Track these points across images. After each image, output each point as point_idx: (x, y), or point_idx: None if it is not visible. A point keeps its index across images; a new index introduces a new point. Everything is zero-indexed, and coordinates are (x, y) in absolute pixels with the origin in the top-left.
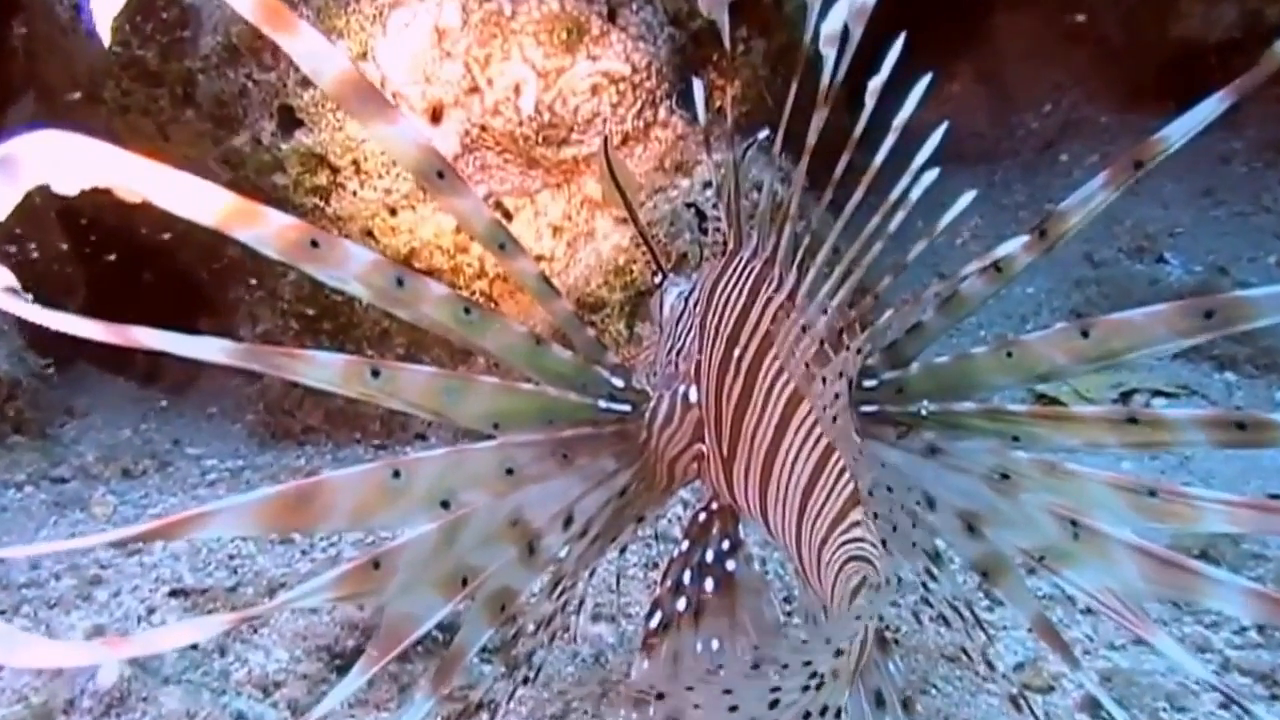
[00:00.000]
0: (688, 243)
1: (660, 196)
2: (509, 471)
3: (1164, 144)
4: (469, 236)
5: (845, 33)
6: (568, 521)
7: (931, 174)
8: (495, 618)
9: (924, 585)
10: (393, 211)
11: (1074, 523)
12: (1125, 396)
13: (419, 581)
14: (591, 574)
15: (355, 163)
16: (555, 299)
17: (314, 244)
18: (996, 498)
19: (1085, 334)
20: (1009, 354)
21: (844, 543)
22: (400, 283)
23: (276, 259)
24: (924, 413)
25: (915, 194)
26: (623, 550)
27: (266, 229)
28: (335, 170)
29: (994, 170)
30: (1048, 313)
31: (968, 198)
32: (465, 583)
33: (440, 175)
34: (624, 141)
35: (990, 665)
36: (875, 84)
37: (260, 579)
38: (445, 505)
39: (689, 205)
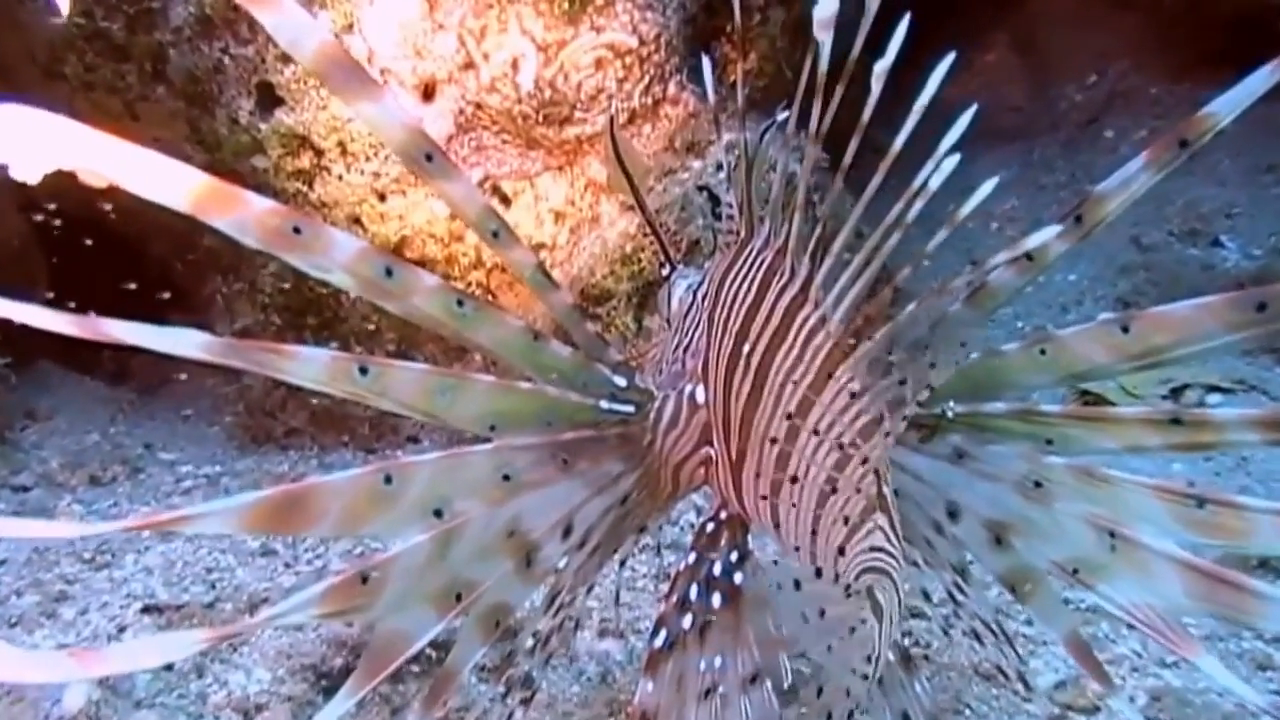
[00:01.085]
0: (700, 229)
1: (670, 179)
2: (506, 478)
3: (1212, 120)
4: (461, 224)
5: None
6: (567, 531)
7: (952, 160)
8: (489, 635)
9: (953, 598)
10: (382, 197)
11: (1112, 534)
12: (1176, 393)
13: (410, 597)
14: (590, 588)
15: (341, 144)
16: (553, 291)
17: (296, 230)
18: (1027, 506)
19: (1125, 329)
20: (1042, 351)
21: (860, 552)
22: (389, 273)
23: (256, 248)
24: (950, 414)
25: (935, 183)
26: (623, 563)
27: (245, 214)
28: (319, 152)
29: (1032, 147)
30: (1091, 302)
31: (989, 185)
32: (459, 598)
33: (429, 158)
34: (631, 120)
35: (1026, 684)
36: (881, 67)
37: (240, 594)
38: (438, 514)
39: (701, 189)
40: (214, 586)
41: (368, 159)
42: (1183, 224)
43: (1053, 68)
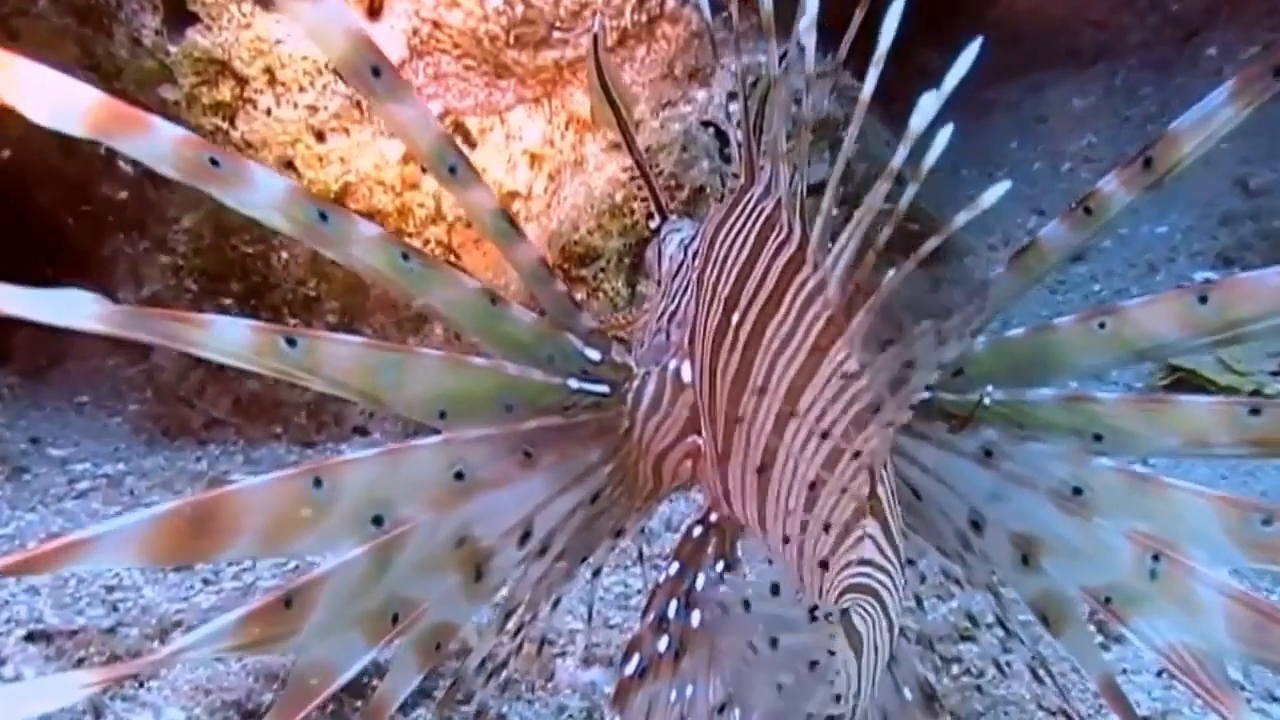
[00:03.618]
0: (705, 173)
1: (669, 113)
2: (458, 476)
3: None
4: (412, 155)
5: None
6: (525, 537)
7: (930, 98)
8: (428, 659)
9: (1002, 625)
10: (320, 136)
11: (1155, 557)
12: None
13: (340, 621)
14: (556, 603)
15: (269, 71)
16: (518, 241)
17: (214, 163)
18: (1063, 520)
19: (1203, 300)
20: (1101, 325)
21: (847, 564)
22: (324, 218)
23: (172, 177)
24: (988, 402)
25: (918, 123)
26: (598, 572)
27: (153, 140)
28: (242, 81)
29: (1115, 70)
30: (1185, 258)
31: (946, 134)
32: (395, 620)
33: (376, 73)
34: (621, 41)
35: None
36: (805, 24)
37: (148, 616)
38: (378, 522)
39: (706, 124)
40: (115, 608)
41: (302, 89)
42: None
43: None
